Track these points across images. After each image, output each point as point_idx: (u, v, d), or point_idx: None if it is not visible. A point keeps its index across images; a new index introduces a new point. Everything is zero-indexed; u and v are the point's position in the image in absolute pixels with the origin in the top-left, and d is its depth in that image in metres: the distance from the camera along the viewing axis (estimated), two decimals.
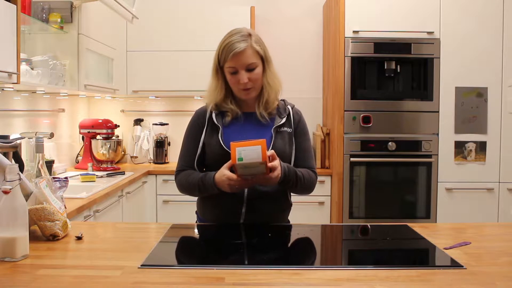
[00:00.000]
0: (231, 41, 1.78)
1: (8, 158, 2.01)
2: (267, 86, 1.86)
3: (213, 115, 1.87)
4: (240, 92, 1.84)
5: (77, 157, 3.89)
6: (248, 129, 1.86)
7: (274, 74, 1.88)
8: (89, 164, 3.62)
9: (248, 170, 1.64)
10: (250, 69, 1.80)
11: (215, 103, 1.88)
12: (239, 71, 1.79)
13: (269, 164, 1.67)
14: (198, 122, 1.90)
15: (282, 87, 1.91)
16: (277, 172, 1.70)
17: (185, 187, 1.88)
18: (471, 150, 3.59)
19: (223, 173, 1.71)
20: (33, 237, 1.52)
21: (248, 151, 1.62)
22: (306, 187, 1.87)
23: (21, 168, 2.04)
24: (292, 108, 1.93)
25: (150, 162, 4.22)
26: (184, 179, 1.87)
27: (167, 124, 4.28)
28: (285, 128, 1.88)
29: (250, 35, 1.81)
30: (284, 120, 1.87)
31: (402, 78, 3.65)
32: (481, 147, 3.59)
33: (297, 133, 1.90)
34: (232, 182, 1.69)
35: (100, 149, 3.70)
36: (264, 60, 1.84)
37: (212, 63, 1.86)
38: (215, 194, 1.81)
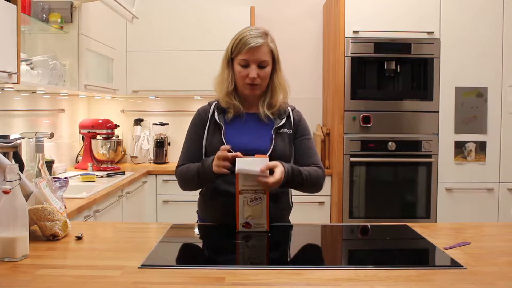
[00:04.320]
0: (249, 35, 1.80)
1: (8, 158, 2.01)
2: (277, 86, 1.89)
3: (216, 113, 1.88)
4: (245, 87, 1.85)
5: (77, 157, 3.90)
6: (249, 129, 1.86)
7: (283, 76, 1.92)
8: (89, 164, 3.62)
9: (248, 181, 1.66)
10: (261, 66, 1.83)
11: (220, 99, 1.89)
12: (250, 65, 1.81)
13: (267, 167, 1.66)
14: (200, 120, 1.91)
15: (289, 91, 1.93)
16: (276, 178, 1.66)
17: (184, 175, 1.86)
18: (471, 150, 3.59)
19: (216, 158, 1.71)
20: (33, 237, 1.52)
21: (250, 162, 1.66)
22: (313, 184, 1.84)
23: (21, 168, 2.04)
24: (292, 110, 1.94)
25: (150, 162, 4.22)
26: (185, 167, 1.86)
27: (167, 124, 4.28)
28: (285, 130, 1.88)
29: (267, 34, 1.85)
30: (284, 121, 1.88)
31: (402, 78, 3.65)
32: (481, 147, 3.59)
33: (299, 133, 1.91)
34: (219, 156, 1.68)
35: (100, 149, 3.70)
36: (275, 60, 1.87)
37: (224, 54, 1.88)
38: (216, 194, 1.82)
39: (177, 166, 1.92)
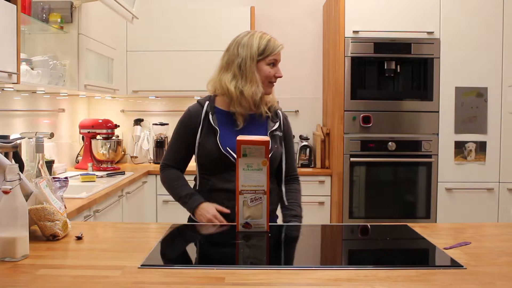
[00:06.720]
0: (272, 38, 1.91)
1: (8, 158, 2.01)
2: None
3: (210, 115, 1.87)
4: (268, 86, 1.92)
5: (77, 157, 3.90)
6: (245, 132, 1.87)
7: None
8: (89, 164, 3.62)
9: (250, 168, 1.66)
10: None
11: (236, 102, 1.88)
12: (276, 64, 1.91)
13: None
14: (191, 122, 1.91)
15: None
16: None
17: (168, 187, 1.99)
18: (471, 150, 3.59)
19: (212, 211, 1.82)
20: (33, 237, 1.52)
21: (253, 149, 1.66)
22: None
23: (21, 168, 2.04)
24: (281, 113, 2.01)
25: (150, 162, 4.22)
26: (171, 181, 1.97)
27: (167, 124, 4.28)
28: (277, 132, 1.95)
29: None
30: (277, 125, 1.95)
31: (402, 78, 3.65)
32: (481, 147, 3.59)
33: (287, 139, 2.00)
34: (216, 221, 1.82)
35: (100, 149, 3.70)
36: None
37: (243, 59, 1.86)
38: (213, 192, 1.87)
39: (163, 165, 1.99)
